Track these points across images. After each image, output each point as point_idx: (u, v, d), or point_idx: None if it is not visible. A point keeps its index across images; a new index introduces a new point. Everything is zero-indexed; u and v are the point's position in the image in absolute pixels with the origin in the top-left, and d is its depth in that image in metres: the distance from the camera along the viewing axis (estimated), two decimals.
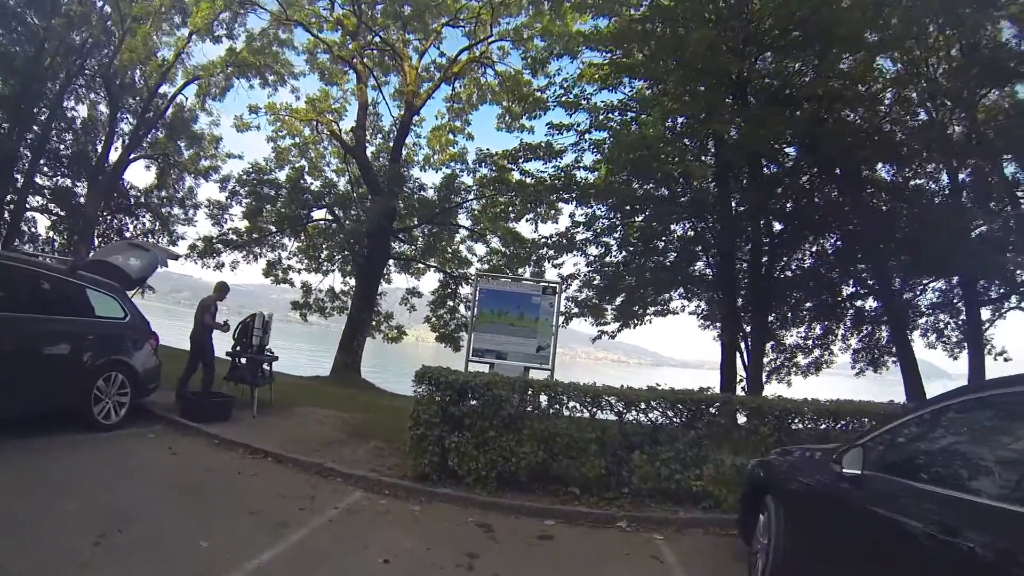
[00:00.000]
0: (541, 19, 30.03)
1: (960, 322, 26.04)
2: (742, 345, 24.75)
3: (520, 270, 29.27)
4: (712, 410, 11.96)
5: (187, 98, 35.62)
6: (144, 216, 36.06)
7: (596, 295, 27.35)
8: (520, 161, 26.02)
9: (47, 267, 12.70)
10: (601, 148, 24.37)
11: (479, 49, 32.94)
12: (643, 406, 11.53)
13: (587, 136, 24.82)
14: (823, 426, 11.69)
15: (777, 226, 24.58)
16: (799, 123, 19.76)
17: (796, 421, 11.81)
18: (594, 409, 11.52)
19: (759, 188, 22.13)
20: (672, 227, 26.14)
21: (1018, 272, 21.89)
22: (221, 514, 8.74)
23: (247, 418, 15.02)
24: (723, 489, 10.83)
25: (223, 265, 32.50)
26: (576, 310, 27.26)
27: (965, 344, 25.05)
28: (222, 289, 16.96)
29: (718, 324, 27.07)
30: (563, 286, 20.30)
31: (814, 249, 25.88)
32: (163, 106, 35.29)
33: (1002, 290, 23.13)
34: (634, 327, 28.07)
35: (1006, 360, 24.77)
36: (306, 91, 35.85)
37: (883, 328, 27.09)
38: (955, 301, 25.80)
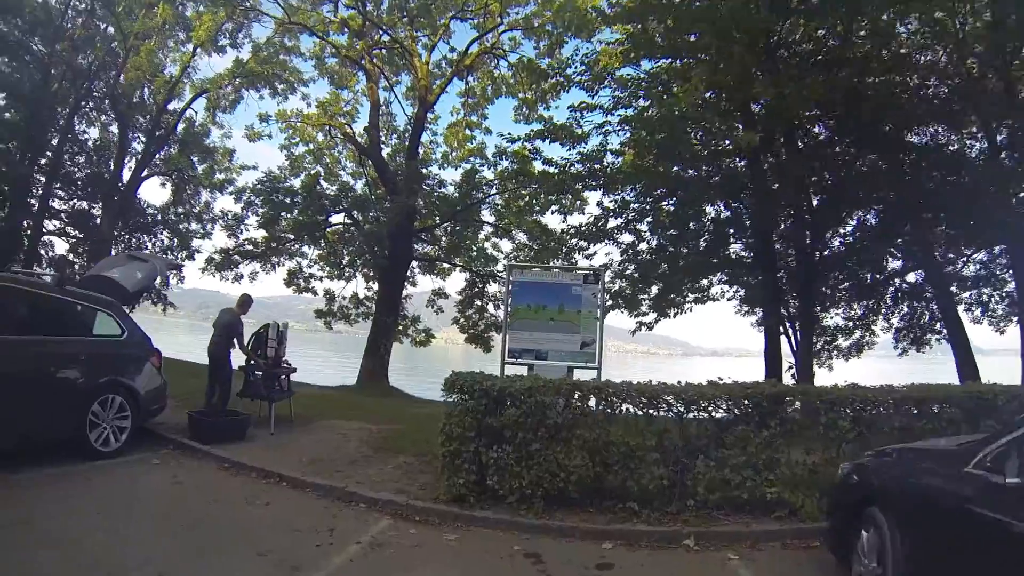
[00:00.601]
0: (551, 5, 28.65)
1: (1005, 293, 24.57)
2: (788, 330, 23.24)
3: (550, 263, 27.50)
4: (787, 405, 10.28)
5: (196, 112, 34.65)
6: (162, 233, 35.01)
7: (631, 285, 25.79)
8: (546, 141, 24.00)
9: (31, 284, 11.44)
10: (628, 127, 22.84)
11: (490, 40, 31.86)
12: (707, 404, 9.87)
13: (613, 115, 23.32)
14: (900, 418, 9.95)
15: (815, 201, 23.09)
16: (838, 86, 18.23)
17: (874, 412, 9.99)
18: (650, 411, 9.89)
19: (797, 160, 20.66)
20: (705, 209, 24.65)
21: None
22: (223, 557, 7.35)
23: (264, 436, 13.72)
24: (799, 494, 9.29)
25: (242, 277, 31.65)
26: (611, 302, 25.11)
27: (1013, 317, 23.69)
28: (245, 303, 15.78)
29: (758, 309, 25.87)
30: (606, 272, 18.44)
31: (855, 223, 24.28)
32: (173, 122, 34.30)
33: None
34: (674, 316, 26.72)
35: None
36: (316, 97, 34.09)
37: (926, 305, 25.74)
38: (998, 272, 24.33)
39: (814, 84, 17.80)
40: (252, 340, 15.27)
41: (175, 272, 31.24)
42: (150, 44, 30.81)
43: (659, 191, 23.99)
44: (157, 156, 34.58)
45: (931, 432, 9.23)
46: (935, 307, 24.99)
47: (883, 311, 26.81)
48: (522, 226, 31.05)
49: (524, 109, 31.14)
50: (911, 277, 25.67)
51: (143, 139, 33.64)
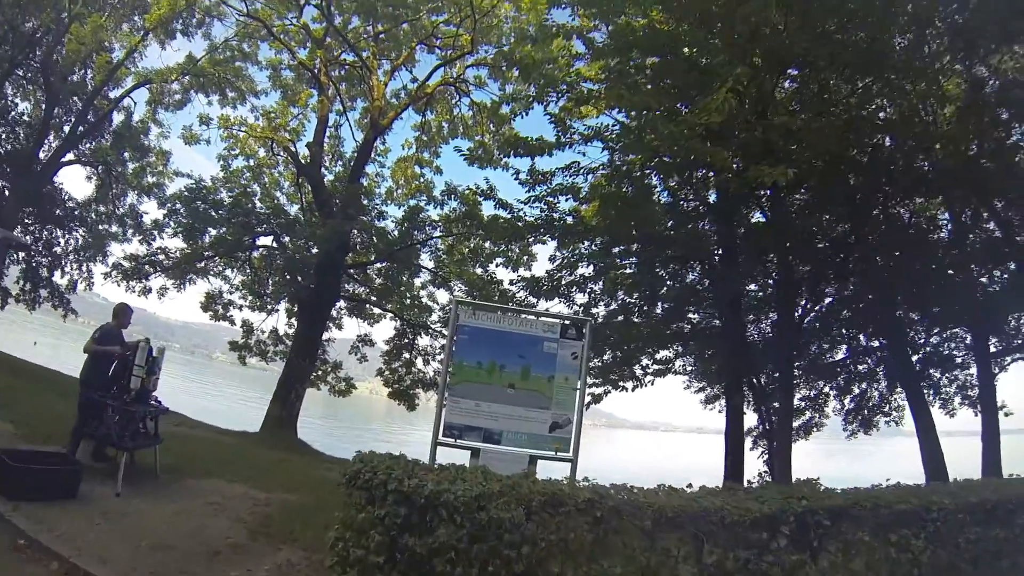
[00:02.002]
0: (523, 47, 24.76)
1: (954, 376, 23.79)
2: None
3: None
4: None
5: (135, 103, 31.56)
6: (78, 230, 31.24)
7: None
8: (510, 171, 20.95)
9: None
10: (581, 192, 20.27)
11: (455, 71, 28.94)
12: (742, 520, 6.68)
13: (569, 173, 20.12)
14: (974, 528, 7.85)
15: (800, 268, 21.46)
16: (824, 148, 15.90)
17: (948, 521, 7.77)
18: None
19: (783, 222, 18.86)
20: (666, 272, 22.41)
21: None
22: None
23: (106, 498, 9.85)
24: None
25: (150, 291, 27.12)
26: None
27: (959, 401, 23.59)
28: (120, 313, 12.58)
29: (707, 383, 25.14)
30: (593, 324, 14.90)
31: (830, 297, 23.24)
32: (108, 108, 30.50)
33: (1002, 345, 21.63)
34: (632, 389, 23.63)
35: (1007, 415, 21.38)
36: (264, 106, 29.18)
37: (876, 387, 25.29)
38: (957, 354, 23.52)
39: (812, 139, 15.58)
40: (114, 366, 11.86)
41: (18, 250, 27.99)
42: (99, 18, 26.68)
43: (619, 247, 21.17)
44: (87, 144, 30.69)
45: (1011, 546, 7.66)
46: (884, 389, 24.97)
47: (834, 392, 25.78)
48: (463, 276, 27.51)
49: (481, 152, 27.21)
50: (868, 357, 24.84)
51: (72, 120, 29.94)
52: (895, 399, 25.48)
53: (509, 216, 20.96)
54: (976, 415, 22.42)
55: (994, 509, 7.91)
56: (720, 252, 20.26)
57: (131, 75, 29.70)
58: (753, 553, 6.62)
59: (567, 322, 10.31)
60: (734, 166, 15.83)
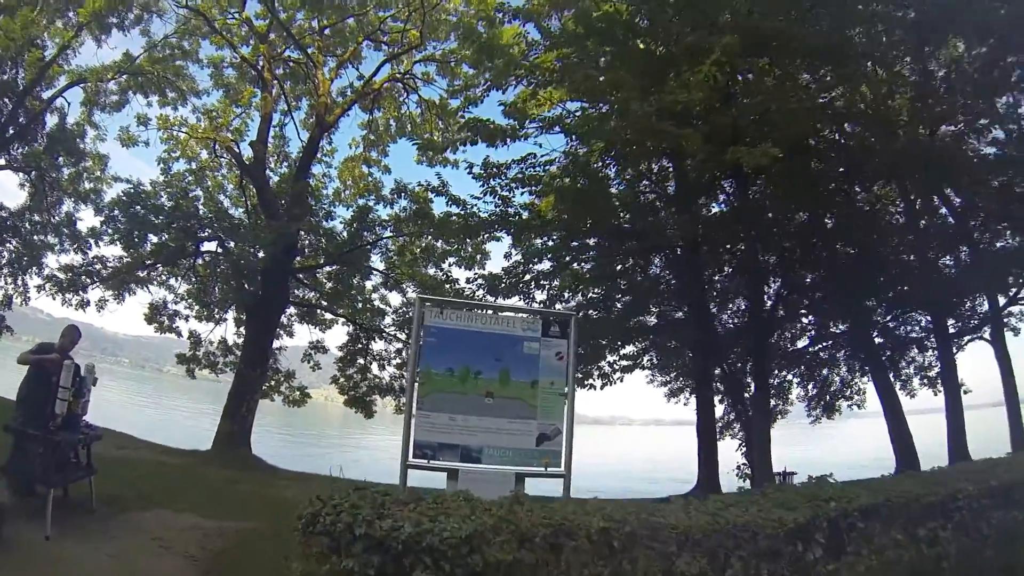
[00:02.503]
0: (471, 45, 23.84)
1: (911, 358, 25.59)
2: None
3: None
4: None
5: (69, 104, 28.77)
6: (9, 241, 28.58)
7: None
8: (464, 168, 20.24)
9: None
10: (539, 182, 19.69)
11: (402, 66, 27.84)
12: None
13: (526, 166, 19.73)
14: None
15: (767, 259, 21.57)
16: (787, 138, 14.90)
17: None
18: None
19: (742, 213, 18.66)
20: (622, 267, 22.13)
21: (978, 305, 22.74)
22: None
23: (34, 542, 8.47)
24: None
25: (88, 303, 25.10)
26: None
27: (919, 381, 25.20)
28: (67, 335, 10.99)
29: (674, 378, 25.48)
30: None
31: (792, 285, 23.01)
32: (39, 109, 27.99)
33: (959, 326, 23.08)
34: (601, 388, 23.51)
35: (966, 392, 22.50)
36: (205, 104, 27.43)
37: (836, 372, 26.74)
38: (914, 336, 25.23)
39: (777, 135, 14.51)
40: (31, 389, 10.26)
41: None
42: (30, 12, 24.79)
43: (577, 242, 20.70)
44: (18, 149, 28.26)
45: None
46: (845, 374, 26.40)
47: (798, 380, 26.61)
48: (415, 277, 26.23)
49: (430, 152, 26.26)
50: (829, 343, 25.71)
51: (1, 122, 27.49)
52: (856, 383, 26.41)
53: (462, 212, 20.02)
54: (936, 394, 24.14)
55: (1010, 490, 7.80)
56: (681, 244, 19.58)
57: (64, 74, 27.80)
58: (784, 566, 5.75)
59: (550, 316, 9.19)
60: (704, 150, 14.79)
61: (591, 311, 21.91)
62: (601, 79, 14.64)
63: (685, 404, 26.25)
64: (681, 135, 13.32)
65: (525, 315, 9.53)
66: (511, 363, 8.36)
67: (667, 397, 26.55)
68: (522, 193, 19.98)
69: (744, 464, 22.63)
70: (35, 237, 28.37)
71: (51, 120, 28.60)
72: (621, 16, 16.30)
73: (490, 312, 9.20)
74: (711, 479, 21.13)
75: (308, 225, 23.19)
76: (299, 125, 28.66)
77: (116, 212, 23.81)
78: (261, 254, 22.93)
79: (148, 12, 26.29)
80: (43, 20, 25.82)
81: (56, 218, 28.68)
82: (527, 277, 21.30)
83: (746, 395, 22.87)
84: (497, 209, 19.63)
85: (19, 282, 28.07)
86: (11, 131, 27.00)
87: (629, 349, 23.29)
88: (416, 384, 8.41)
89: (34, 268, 27.75)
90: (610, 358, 22.90)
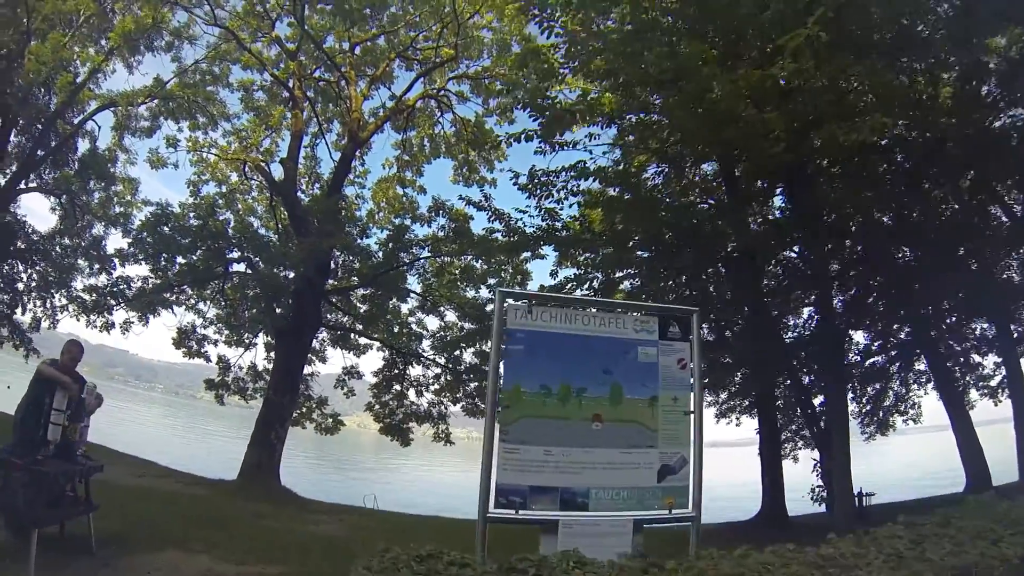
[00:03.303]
0: (506, 61, 22.84)
1: (970, 367, 23.92)
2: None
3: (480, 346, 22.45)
4: None
5: (99, 127, 28.51)
6: (41, 265, 27.21)
7: None
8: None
9: None
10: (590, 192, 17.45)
11: (436, 83, 26.15)
12: None
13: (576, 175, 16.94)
14: None
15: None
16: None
17: None
18: None
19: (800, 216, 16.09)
20: (672, 283, 19.37)
21: None
22: None
23: None
24: None
25: (112, 326, 23.78)
26: None
27: (979, 392, 23.83)
28: (68, 351, 9.02)
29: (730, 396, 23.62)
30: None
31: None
32: (69, 132, 26.74)
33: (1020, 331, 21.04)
34: None
35: None
36: (235, 125, 26.38)
37: (890, 386, 24.64)
38: (972, 344, 23.44)
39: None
40: (23, 412, 8.31)
41: None
42: (61, 36, 23.71)
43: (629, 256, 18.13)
44: (50, 174, 27.25)
45: None
46: (899, 387, 24.54)
47: (851, 396, 23.27)
48: (453, 300, 24.30)
49: (465, 170, 25.82)
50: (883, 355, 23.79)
51: (29, 144, 26.51)
52: (910, 396, 24.84)
53: (507, 227, 18.13)
54: (996, 405, 23.30)
55: None
56: (736, 252, 17.34)
57: (95, 99, 26.64)
58: None
59: (668, 314, 6.86)
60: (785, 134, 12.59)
61: None
62: (681, 51, 12.52)
63: (737, 425, 24.58)
64: (766, 118, 11.27)
65: (637, 314, 6.93)
66: (623, 376, 6.21)
67: (717, 418, 24.64)
68: (571, 205, 17.67)
69: (819, 487, 20.46)
70: (65, 261, 27.05)
71: (82, 145, 27.54)
72: None
73: (592, 310, 6.79)
74: (776, 503, 19.10)
75: (342, 241, 21.19)
76: (331, 147, 27.02)
77: (144, 234, 22.28)
78: (291, 274, 21.24)
79: (179, 39, 25.39)
80: (74, 45, 24.93)
81: (85, 242, 27.34)
82: (577, 293, 18.95)
83: (809, 412, 21.08)
84: (544, 223, 17.51)
85: (48, 305, 26.90)
86: (40, 153, 26.05)
87: None
88: (499, 409, 6.10)
89: (62, 291, 26.52)
90: None
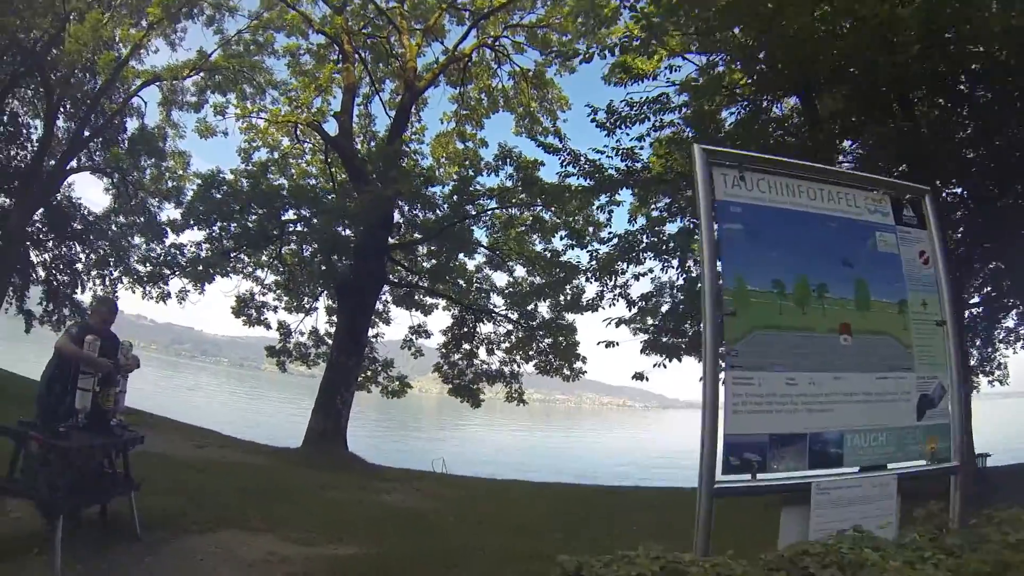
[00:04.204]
0: (561, 11, 21.77)
1: None
2: None
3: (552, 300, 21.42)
4: None
5: (146, 104, 26.84)
6: (99, 245, 26.73)
7: (660, 327, 17.96)
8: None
9: None
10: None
11: (491, 33, 24.06)
12: None
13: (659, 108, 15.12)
14: None
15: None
16: None
17: None
18: None
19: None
20: None
21: None
22: None
23: None
24: None
25: (168, 296, 22.71)
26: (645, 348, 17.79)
27: None
28: (97, 309, 7.74)
29: None
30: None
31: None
32: (114, 110, 26.00)
33: None
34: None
35: None
36: (283, 85, 25.47)
37: (973, 345, 20.73)
38: None
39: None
40: (47, 380, 6.77)
41: None
42: (99, 15, 22.45)
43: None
44: (100, 154, 26.60)
45: None
46: (981, 346, 21.30)
47: None
48: (524, 253, 22.53)
49: (527, 121, 23.87)
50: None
51: (75, 126, 25.72)
52: (996, 356, 22.15)
53: (580, 171, 16.22)
54: None
55: None
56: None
57: (139, 76, 25.67)
58: None
59: (898, 194, 4.44)
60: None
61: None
62: None
63: None
64: (895, 16, 9.09)
65: (863, 182, 4.68)
66: (865, 270, 4.14)
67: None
68: (650, 144, 15.97)
69: None
70: (122, 241, 26.59)
71: (132, 125, 27.09)
72: None
73: (816, 182, 4.34)
74: None
75: (406, 187, 19.05)
76: (385, 105, 25.32)
77: (196, 203, 21.08)
78: (348, 232, 19.69)
79: (219, 11, 24.30)
80: (113, 24, 23.89)
81: (141, 219, 26.60)
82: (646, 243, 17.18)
83: None
84: (624, 164, 15.67)
85: (107, 283, 26.37)
86: (86, 132, 25.40)
87: None
88: (717, 313, 3.77)
89: (120, 270, 26.10)
90: None
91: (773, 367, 3.76)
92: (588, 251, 18.66)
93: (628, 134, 15.21)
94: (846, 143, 15.19)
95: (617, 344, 17.60)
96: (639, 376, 18.29)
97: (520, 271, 23.18)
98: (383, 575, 6.72)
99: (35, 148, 24.96)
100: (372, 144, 24.53)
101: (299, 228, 21.06)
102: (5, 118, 24.91)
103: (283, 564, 6.70)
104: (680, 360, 17.93)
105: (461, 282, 23.54)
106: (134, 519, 6.80)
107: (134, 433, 7.25)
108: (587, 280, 19.48)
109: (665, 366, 18.16)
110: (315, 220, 19.39)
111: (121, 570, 5.91)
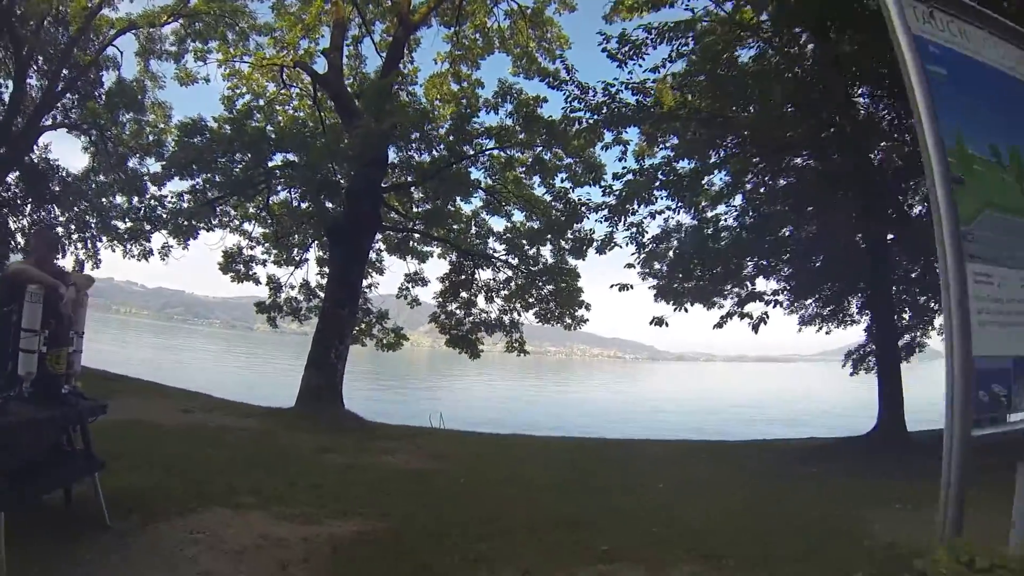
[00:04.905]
0: None
1: None
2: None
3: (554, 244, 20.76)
4: None
5: (122, 53, 25.46)
6: (79, 206, 25.32)
7: (671, 271, 17.20)
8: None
9: None
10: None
11: None
12: None
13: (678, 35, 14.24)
14: None
15: None
16: None
17: None
18: None
19: None
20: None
21: None
22: None
23: None
24: None
25: (150, 253, 22.13)
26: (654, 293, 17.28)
27: None
28: (35, 243, 7.16)
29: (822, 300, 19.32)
30: None
31: None
32: (88, 61, 24.30)
33: None
34: (756, 327, 18.01)
35: None
36: (267, 23, 23.78)
37: None
38: None
39: None
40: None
41: None
42: None
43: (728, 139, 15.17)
44: (73, 111, 25.15)
45: None
46: None
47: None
48: (523, 196, 21.33)
49: (525, 61, 22.44)
50: None
51: (47, 82, 24.27)
52: None
53: (586, 106, 14.92)
54: None
55: None
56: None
57: (114, 25, 24.39)
58: None
59: None
60: None
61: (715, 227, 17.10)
62: None
63: (828, 333, 20.52)
64: None
65: None
66: None
67: (800, 326, 20.26)
68: (662, 77, 14.74)
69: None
70: (102, 199, 25.09)
71: (108, 78, 25.46)
72: None
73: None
74: (895, 419, 15.66)
75: (404, 119, 17.70)
76: (377, 47, 23.81)
77: (176, 152, 19.97)
78: (339, 178, 18.63)
79: None
80: None
81: (121, 176, 25.15)
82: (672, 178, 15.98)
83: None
84: (634, 98, 14.53)
85: (89, 246, 25.24)
86: (59, 87, 24.14)
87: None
88: (950, 183, 2.50)
89: (105, 232, 24.92)
90: (767, 284, 18.04)
91: (1011, 261, 2.66)
92: (601, 186, 17.52)
93: (640, 65, 14.21)
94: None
95: (632, 287, 16.59)
96: (659, 321, 17.31)
97: (519, 216, 22.07)
98: (398, 557, 5.68)
99: (5, 107, 23.50)
100: (364, 85, 23.02)
101: (288, 172, 19.66)
102: None
103: (278, 549, 5.67)
104: (687, 309, 17.26)
105: (456, 227, 22.55)
106: (100, 501, 5.72)
107: (93, 401, 6.04)
108: (598, 220, 18.15)
109: (687, 310, 17.27)
110: (303, 162, 18.01)
111: (82, 570, 4.83)
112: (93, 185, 25.39)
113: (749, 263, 17.52)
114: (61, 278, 5.86)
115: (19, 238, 24.36)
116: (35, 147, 24.70)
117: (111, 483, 6.05)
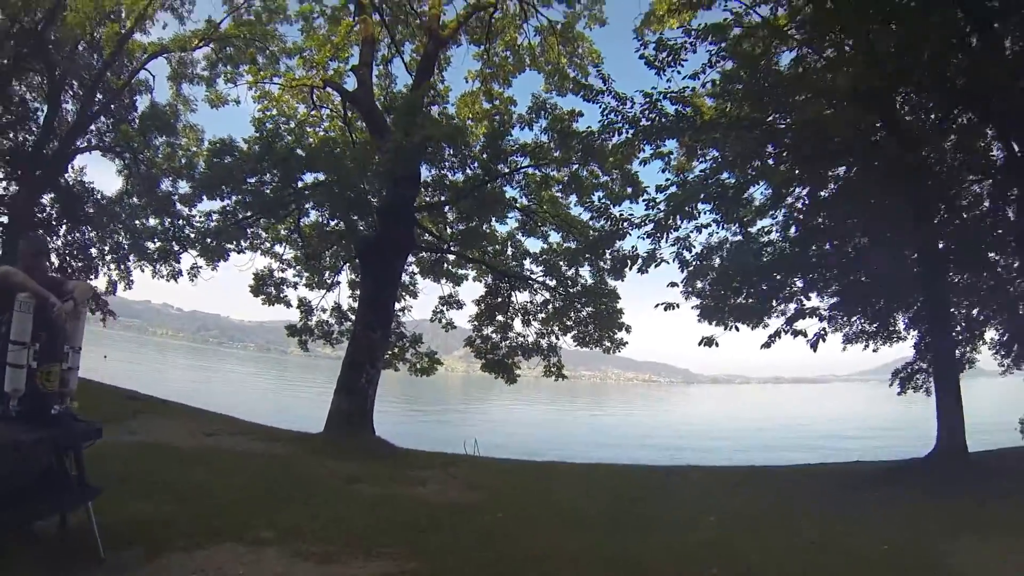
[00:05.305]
0: None
1: None
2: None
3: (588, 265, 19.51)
4: None
5: (154, 77, 26.16)
6: (112, 227, 25.74)
7: (713, 289, 16.09)
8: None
9: None
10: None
11: None
12: None
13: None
14: None
15: None
16: None
17: None
18: None
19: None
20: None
21: None
22: None
23: None
24: None
25: (179, 274, 22.07)
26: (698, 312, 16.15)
27: None
28: (24, 252, 5.59)
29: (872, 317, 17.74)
30: None
31: None
32: (121, 85, 25.00)
33: None
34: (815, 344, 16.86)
35: None
36: (295, 44, 23.90)
37: None
38: None
39: None
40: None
41: None
42: None
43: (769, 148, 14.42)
44: (108, 134, 25.66)
45: None
46: None
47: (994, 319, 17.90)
48: (559, 215, 20.53)
49: (557, 78, 21.97)
50: None
51: (79, 103, 24.76)
52: None
53: (623, 118, 14.18)
54: None
55: None
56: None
57: (146, 49, 24.98)
58: None
59: None
60: None
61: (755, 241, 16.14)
62: None
63: (875, 351, 19.34)
64: None
65: None
66: None
67: (844, 343, 19.00)
68: (702, 84, 14.05)
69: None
70: (136, 222, 25.17)
71: (141, 102, 26.26)
72: None
73: None
74: (955, 440, 14.58)
75: (436, 131, 16.67)
76: (407, 66, 23.49)
77: (206, 171, 19.69)
78: (371, 197, 17.94)
79: None
80: None
81: (153, 198, 25.13)
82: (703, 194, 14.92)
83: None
84: (673, 108, 13.76)
85: (122, 268, 25.77)
86: (93, 110, 24.59)
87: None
88: None
89: (137, 254, 25.17)
90: (816, 302, 16.81)
91: None
92: (644, 200, 16.15)
93: (679, 72, 13.53)
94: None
95: (677, 306, 15.95)
96: (708, 341, 16.28)
97: (555, 237, 21.38)
98: None
99: (40, 130, 23.78)
100: (395, 104, 22.69)
101: (318, 190, 18.94)
102: (15, 101, 23.72)
103: None
104: (738, 328, 16.17)
105: (491, 248, 21.91)
106: (96, 534, 5.09)
107: (88, 423, 5.40)
108: (640, 237, 16.88)
109: (738, 328, 16.32)
110: (333, 180, 17.51)
111: None
112: (127, 207, 25.44)
113: (797, 279, 16.49)
114: (57, 287, 5.28)
115: (54, 259, 24.36)
116: (69, 169, 24.97)
117: (115, 511, 5.56)
